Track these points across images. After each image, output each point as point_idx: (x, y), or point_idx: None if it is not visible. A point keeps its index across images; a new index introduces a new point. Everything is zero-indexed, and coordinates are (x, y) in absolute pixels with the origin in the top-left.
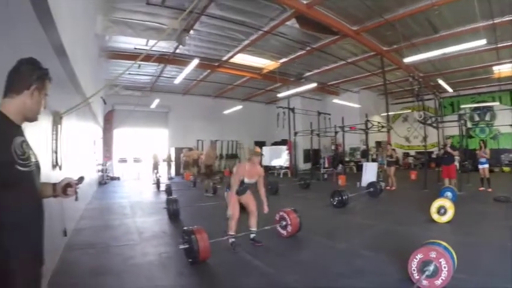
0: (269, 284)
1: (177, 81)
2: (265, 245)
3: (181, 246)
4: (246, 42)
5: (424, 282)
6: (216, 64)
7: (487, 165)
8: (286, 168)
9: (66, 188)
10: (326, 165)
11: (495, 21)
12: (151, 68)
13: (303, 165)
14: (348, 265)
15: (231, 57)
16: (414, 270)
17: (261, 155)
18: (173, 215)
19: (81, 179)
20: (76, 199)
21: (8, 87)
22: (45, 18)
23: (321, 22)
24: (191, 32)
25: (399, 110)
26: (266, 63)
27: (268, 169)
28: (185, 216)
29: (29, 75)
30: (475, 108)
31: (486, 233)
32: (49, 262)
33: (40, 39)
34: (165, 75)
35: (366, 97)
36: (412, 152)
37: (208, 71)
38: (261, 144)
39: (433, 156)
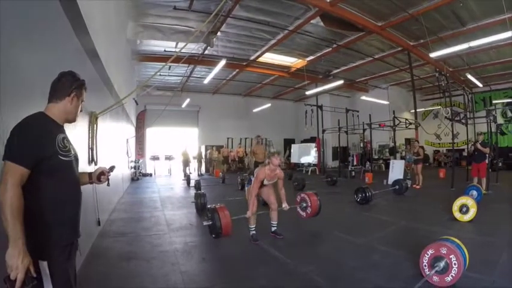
0: (285, 273)
1: (206, 81)
2: (285, 237)
3: (205, 223)
4: (273, 41)
5: (435, 278)
6: (244, 64)
7: None
8: (315, 165)
9: (100, 176)
10: (355, 163)
11: None
12: (181, 69)
13: (331, 163)
14: (364, 259)
15: (259, 56)
16: (425, 265)
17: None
18: (201, 208)
19: (112, 167)
20: (108, 185)
21: (52, 94)
22: (78, 25)
23: (346, 19)
24: (218, 33)
25: (429, 106)
26: (293, 62)
27: (297, 166)
28: None
29: (69, 85)
30: (508, 104)
31: (509, 233)
32: (84, 246)
33: (74, 45)
34: (194, 75)
35: (395, 93)
36: (444, 150)
37: (237, 70)
38: (290, 141)
39: (464, 153)
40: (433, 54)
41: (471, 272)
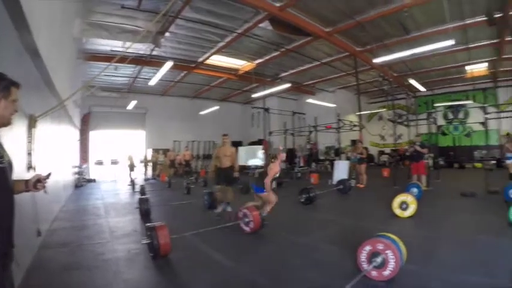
0: (228, 276)
1: (152, 82)
2: (229, 240)
3: (144, 242)
4: (222, 43)
5: (374, 273)
6: (193, 65)
7: None
8: (262, 167)
9: (37, 183)
10: (301, 164)
11: (466, 22)
12: (128, 69)
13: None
14: (307, 258)
15: (207, 58)
16: (363, 261)
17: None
18: (145, 214)
19: (49, 174)
20: (45, 192)
21: None
22: (19, 22)
23: (294, 24)
24: (167, 34)
25: (375, 109)
26: (242, 64)
27: (244, 169)
28: (157, 215)
29: None
30: (449, 107)
31: (447, 226)
32: (24, 259)
33: (14, 42)
34: (142, 76)
35: (342, 96)
36: (388, 150)
37: (185, 72)
38: (237, 144)
39: (407, 154)
40: (376, 60)
41: (410, 265)
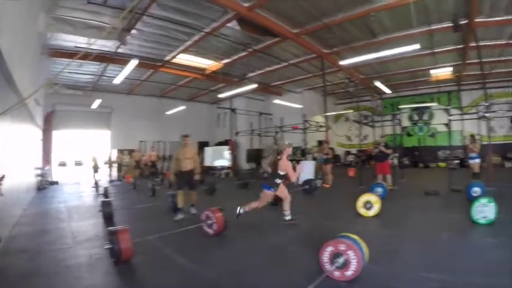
0: (191, 280)
1: (117, 81)
2: (192, 243)
3: (106, 247)
4: (189, 42)
5: (336, 273)
6: (159, 64)
7: (477, 160)
8: (229, 168)
9: None
10: None
11: (432, 28)
12: (93, 67)
13: (246, 165)
14: (271, 259)
15: (174, 57)
16: (326, 262)
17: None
18: (108, 217)
19: (2, 177)
20: (1, 195)
21: None
22: None
23: (262, 25)
24: (133, 31)
25: (342, 110)
26: (209, 64)
27: (210, 169)
28: (121, 219)
29: None
30: (415, 108)
31: (411, 225)
32: None
33: None
34: (107, 74)
35: (309, 97)
36: (354, 151)
37: (152, 71)
38: (204, 144)
39: (373, 154)
40: (343, 62)
41: (373, 264)
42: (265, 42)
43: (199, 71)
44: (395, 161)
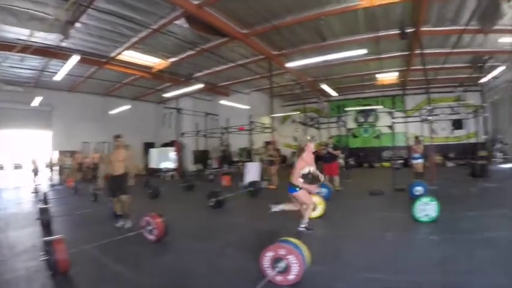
0: None
1: (58, 77)
2: (132, 250)
3: (42, 259)
4: (135, 39)
5: (279, 278)
6: (104, 60)
7: (420, 160)
8: (174, 170)
9: None
10: (215, 166)
11: (380, 34)
12: (35, 61)
13: (192, 167)
14: (212, 265)
15: (120, 53)
16: (267, 267)
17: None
18: (46, 226)
19: None
20: None
21: None
22: None
23: (211, 24)
24: (78, 24)
25: (289, 111)
26: (156, 62)
27: (156, 172)
28: (59, 227)
29: None
30: (360, 111)
31: (355, 225)
32: None
33: None
34: (50, 69)
35: (257, 99)
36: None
37: (96, 67)
38: (150, 145)
39: (321, 155)
40: (289, 65)
41: (316, 266)
42: (214, 42)
43: (146, 69)
44: (342, 162)
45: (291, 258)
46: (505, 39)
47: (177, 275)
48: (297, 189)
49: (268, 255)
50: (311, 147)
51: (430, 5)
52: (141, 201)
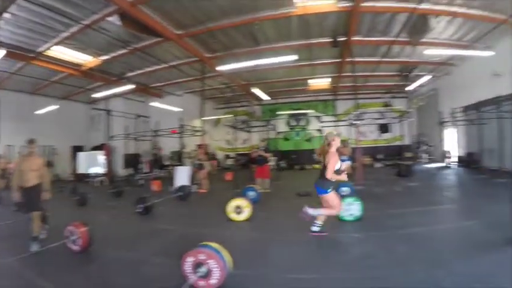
0: None
1: None
2: (55, 262)
3: None
4: (66, 34)
5: (201, 283)
6: (32, 55)
7: (348, 162)
8: (104, 175)
9: None
10: (146, 170)
11: (312, 42)
12: None
13: (123, 171)
14: (135, 274)
15: (49, 48)
16: (189, 272)
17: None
18: None
19: None
20: None
21: None
22: None
23: (145, 22)
24: (6, 15)
25: (223, 114)
26: (87, 60)
27: (85, 177)
28: None
29: None
30: (292, 115)
31: (281, 227)
32: None
33: None
34: None
35: (190, 101)
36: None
37: (23, 62)
38: (79, 149)
39: (253, 157)
40: (220, 68)
41: (241, 269)
42: (147, 41)
43: (76, 66)
44: (273, 164)
45: (212, 263)
46: (431, 51)
47: (101, 285)
48: (328, 190)
49: (189, 261)
50: (338, 141)
51: (362, 16)
52: (67, 210)
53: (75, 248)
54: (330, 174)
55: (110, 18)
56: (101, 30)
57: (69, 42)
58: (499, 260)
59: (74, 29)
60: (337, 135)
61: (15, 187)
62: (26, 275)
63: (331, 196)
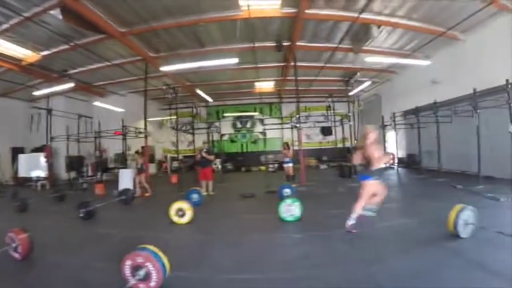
0: None
1: None
2: None
3: None
4: (6, 26)
5: (141, 286)
6: None
7: (291, 164)
8: (45, 178)
9: None
10: (90, 173)
11: (256, 45)
12: None
13: (66, 175)
14: (74, 280)
15: None
16: (129, 275)
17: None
18: None
19: None
20: None
21: None
22: None
23: (87, 18)
24: None
25: (167, 115)
26: (26, 54)
27: (26, 181)
28: None
29: None
30: (238, 117)
31: (223, 229)
32: None
33: None
34: None
35: (135, 101)
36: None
37: None
38: (19, 151)
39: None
40: (164, 68)
41: (182, 271)
42: (90, 38)
43: (15, 61)
44: (219, 166)
45: (149, 266)
46: (373, 59)
47: None
48: (373, 177)
49: (127, 264)
50: (374, 135)
51: (306, 23)
52: (8, 216)
53: (17, 255)
54: (378, 162)
55: (51, 12)
56: (41, 23)
57: (8, 34)
58: (437, 255)
59: (14, 21)
60: (373, 128)
61: None
62: None
63: (374, 184)
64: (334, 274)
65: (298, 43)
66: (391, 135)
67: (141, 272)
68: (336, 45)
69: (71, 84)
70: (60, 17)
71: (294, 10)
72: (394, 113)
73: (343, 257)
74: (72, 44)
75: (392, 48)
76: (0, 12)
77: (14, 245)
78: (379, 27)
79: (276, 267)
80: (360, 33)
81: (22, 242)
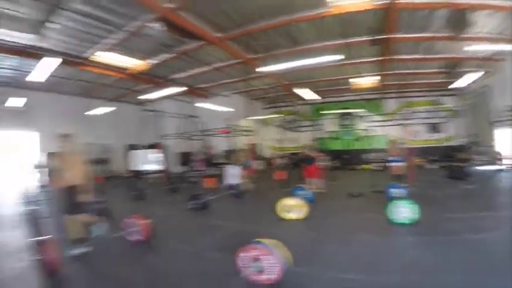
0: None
1: (36, 78)
2: (117, 252)
3: (32, 259)
4: (112, 40)
5: (256, 278)
6: (80, 61)
7: (400, 163)
8: (160, 172)
9: None
10: (199, 168)
11: (350, 41)
12: (11, 61)
13: (178, 169)
14: (192, 267)
15: (96, 54)
16: (244, 267)
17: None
18: (35, 226)
19: None
20: None
21: None
22: None
23: (186, 28)
24: (53, 25)
25: (271, 114)
26: (134, 64)
27: (140, 174)
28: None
29: None
30: (342, 114)
31: (334, 227)
32: None
33: None
34: (24, 69)
35: (238, 101)
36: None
37: (75, 67)
38: (132, 147)
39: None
40: (260, 69)
41: (296, 267)
42: (190, 45)
43: (125, 70)
44: (328, 164)
45: (267, 259)
46: (475, 47)
47: (159, 278)
48: None
49: (244, 256)
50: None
51: (400, 14)
52: (125, 205)
53: (136, 239)
54: None
55: (154, 25)
56: (145, 36)
57: (117, 48)
58: None
59: (120, 36)
60: None
61: (57, 184)
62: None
63: None
64: (445, 282)
65: (393, 35)
66: (504, 133)
67: (258, 265)
68: (432, 35)
69: (183, 88)
70: (163, 28)
71: (386, 1)
72: (508, 107)
73: (461, 265)
74: (175, 52)
75: (493, 34)
76: (107, 30)
77: (133, 229)
78: (477, 11)
79: (388, 270)
80: (458, 20)
81: (143, 227)
